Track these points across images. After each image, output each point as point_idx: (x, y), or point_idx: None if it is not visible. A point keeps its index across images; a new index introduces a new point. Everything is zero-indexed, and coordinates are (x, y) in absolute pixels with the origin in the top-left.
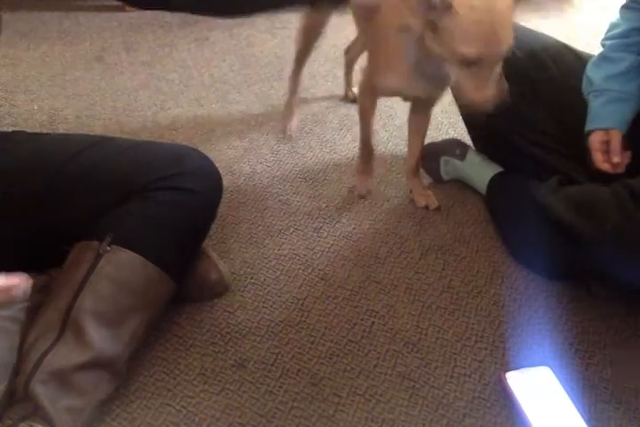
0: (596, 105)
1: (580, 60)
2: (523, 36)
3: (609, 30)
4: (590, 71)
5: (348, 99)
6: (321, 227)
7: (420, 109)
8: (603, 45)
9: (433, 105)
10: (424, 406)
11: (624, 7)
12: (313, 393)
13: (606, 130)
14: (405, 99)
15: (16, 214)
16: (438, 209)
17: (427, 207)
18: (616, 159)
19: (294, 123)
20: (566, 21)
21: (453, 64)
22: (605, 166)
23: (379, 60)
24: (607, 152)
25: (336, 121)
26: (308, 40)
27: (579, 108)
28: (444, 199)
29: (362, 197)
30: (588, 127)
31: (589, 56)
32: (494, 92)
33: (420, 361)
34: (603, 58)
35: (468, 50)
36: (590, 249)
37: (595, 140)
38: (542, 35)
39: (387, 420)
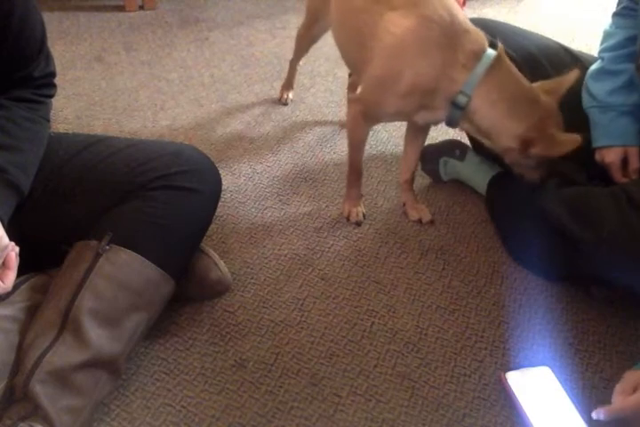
0: (604, 120)
1: (576, 60)
2: (518, 37)
3: (604, 40)
4: (591, 85)
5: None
6: (321, 227)
7: (421, 126)
8: (601, 58)
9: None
10: (424, 406)
11: (616, 14)
12: (313, 393)
13: (623, 146)
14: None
15: (15, 215)
16: (431, 222)
17: (420, 221)
18: (635, 176)
19: (291, 94)
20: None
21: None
22: (624, 180)
23: (392, 90)
24: (624, 167)
25: (336, 121)
26: (305, 46)
27: (576, 109)
28: (444, 199)
29: (358, 224)
30: (600, 142)
31: (587, 56)
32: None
33: (420, 361)
34: (603, 71)
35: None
36: (587, 253)
37: (614, 158)
38: (538, 35)
39: (387, 420)
